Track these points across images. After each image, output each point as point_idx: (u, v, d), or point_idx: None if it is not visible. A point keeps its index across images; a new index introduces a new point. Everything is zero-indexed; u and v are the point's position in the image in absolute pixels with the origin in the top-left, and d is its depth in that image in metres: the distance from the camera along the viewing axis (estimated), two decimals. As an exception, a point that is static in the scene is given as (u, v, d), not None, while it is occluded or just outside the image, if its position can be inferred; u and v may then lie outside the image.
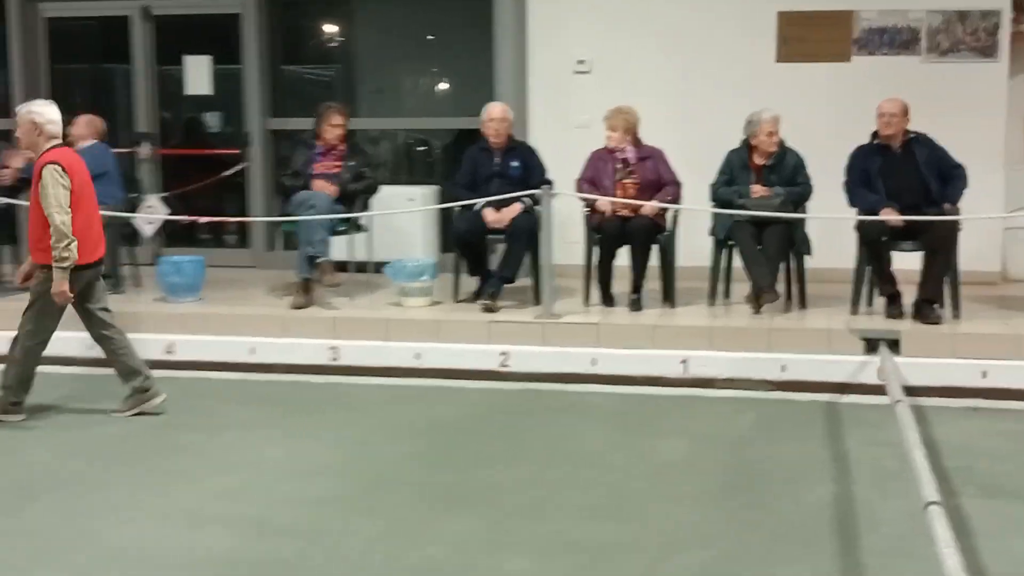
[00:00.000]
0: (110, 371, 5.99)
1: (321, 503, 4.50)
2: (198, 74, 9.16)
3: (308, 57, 9.63)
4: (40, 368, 5.82)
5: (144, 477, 4.87)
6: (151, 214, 8.03)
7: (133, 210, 7.97)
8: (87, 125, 8.03)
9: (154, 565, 3.91)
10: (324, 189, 7.41)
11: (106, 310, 5.89)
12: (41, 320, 5.71)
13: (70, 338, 6.25)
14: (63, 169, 5.54)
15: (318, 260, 7.31)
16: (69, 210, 5.51)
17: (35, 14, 9.28)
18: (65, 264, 5.50)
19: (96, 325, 5.86)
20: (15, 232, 8.06)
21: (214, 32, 9.21)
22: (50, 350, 5.83)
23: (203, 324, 7.03)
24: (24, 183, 7.87)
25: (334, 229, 7.40)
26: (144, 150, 9.04)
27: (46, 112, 5.66)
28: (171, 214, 8.09)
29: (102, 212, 7.57)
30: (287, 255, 7.90)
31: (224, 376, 6.70)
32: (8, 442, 5.41)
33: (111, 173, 7.88)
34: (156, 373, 6.70)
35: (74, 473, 4.95)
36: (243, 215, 8.78)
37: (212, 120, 9.75)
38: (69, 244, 5.49)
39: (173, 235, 8.70)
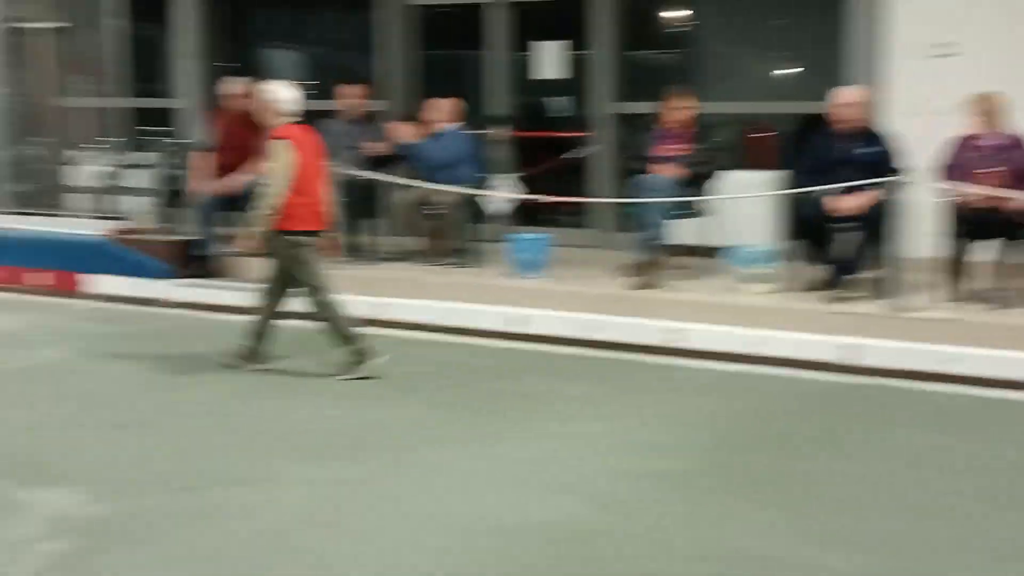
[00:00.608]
0: (469, 340, 6.61)
1: (641, 479, 4.58)
2: (547, 59, 9.48)
3: (653, 42, 9.70)
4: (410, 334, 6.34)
5: (474, 441, 5.13)
6: (503, 194, 8.41)
7: (486, 190, 8.38)
8: (447, 109, 8.50)
9: (483, 525, 4.11)
10: (665, 172, 7.48)
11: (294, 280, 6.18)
12: (309, 278, 6.11)
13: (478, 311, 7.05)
14: (291, 145, 5.99)
15: (657, 242, 7.41)
16: (284, 185, 5.95)
17: (399, 2, 9.90)
18: (254, 226, 6.02)
19: (279, 283, 6.19)
20: (374, 207, 8.62)
21: (562, 18, 9.48)
22: (468, 322, 6.65)
23: (547, 299, 7.30)
24: (397, 159, 8.49)
25: (674, 212, 7.46)
26: (497, 132, 9.46)
27: (277, 92, 6.18)
28: (521, 194, 8.43)
29: (459, 191, 8.05)
30: (629, 236, 8.04)
31: (561, 351, 6.90)
32: (351, 396, 5.86)
33: (468, 155, 8.33)
34: (502, 344, 7.10)
35: (410, 430, 5.29)
36: (588, 196, 8.99)
37: (560, 103, 10.05)
38: (262, 213, 5.97)
39: (522, 214, 9.05)
